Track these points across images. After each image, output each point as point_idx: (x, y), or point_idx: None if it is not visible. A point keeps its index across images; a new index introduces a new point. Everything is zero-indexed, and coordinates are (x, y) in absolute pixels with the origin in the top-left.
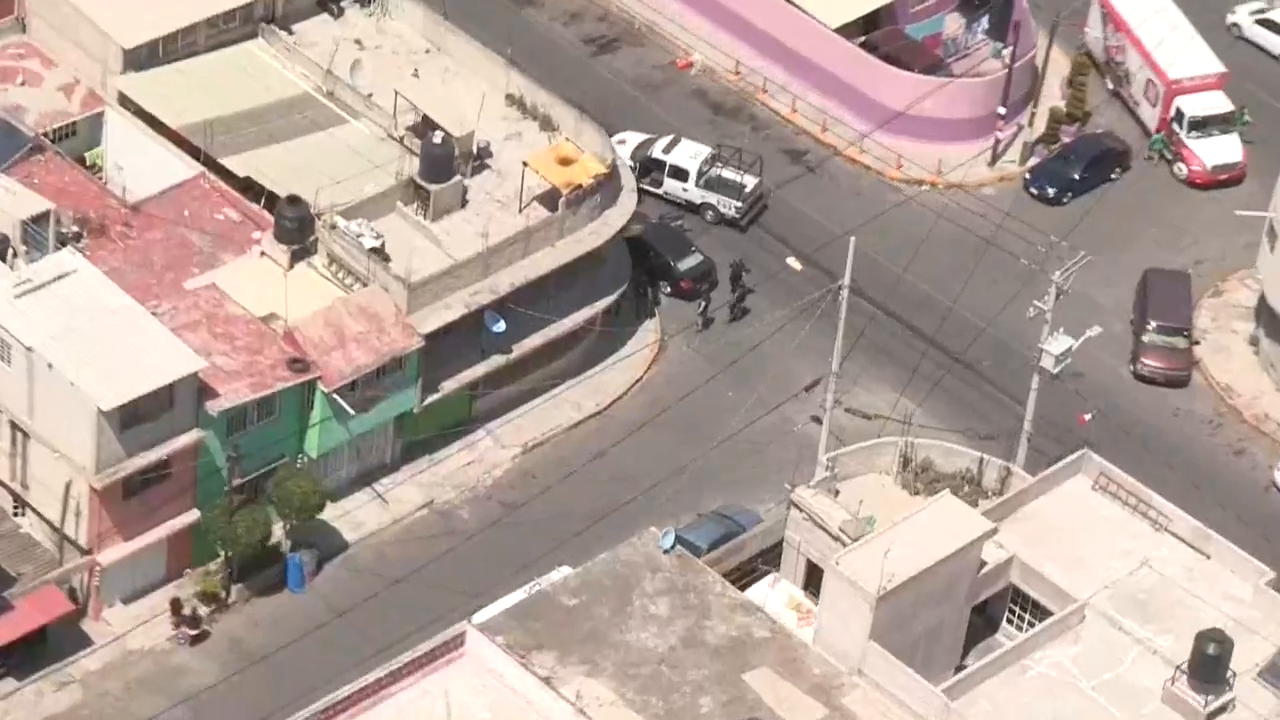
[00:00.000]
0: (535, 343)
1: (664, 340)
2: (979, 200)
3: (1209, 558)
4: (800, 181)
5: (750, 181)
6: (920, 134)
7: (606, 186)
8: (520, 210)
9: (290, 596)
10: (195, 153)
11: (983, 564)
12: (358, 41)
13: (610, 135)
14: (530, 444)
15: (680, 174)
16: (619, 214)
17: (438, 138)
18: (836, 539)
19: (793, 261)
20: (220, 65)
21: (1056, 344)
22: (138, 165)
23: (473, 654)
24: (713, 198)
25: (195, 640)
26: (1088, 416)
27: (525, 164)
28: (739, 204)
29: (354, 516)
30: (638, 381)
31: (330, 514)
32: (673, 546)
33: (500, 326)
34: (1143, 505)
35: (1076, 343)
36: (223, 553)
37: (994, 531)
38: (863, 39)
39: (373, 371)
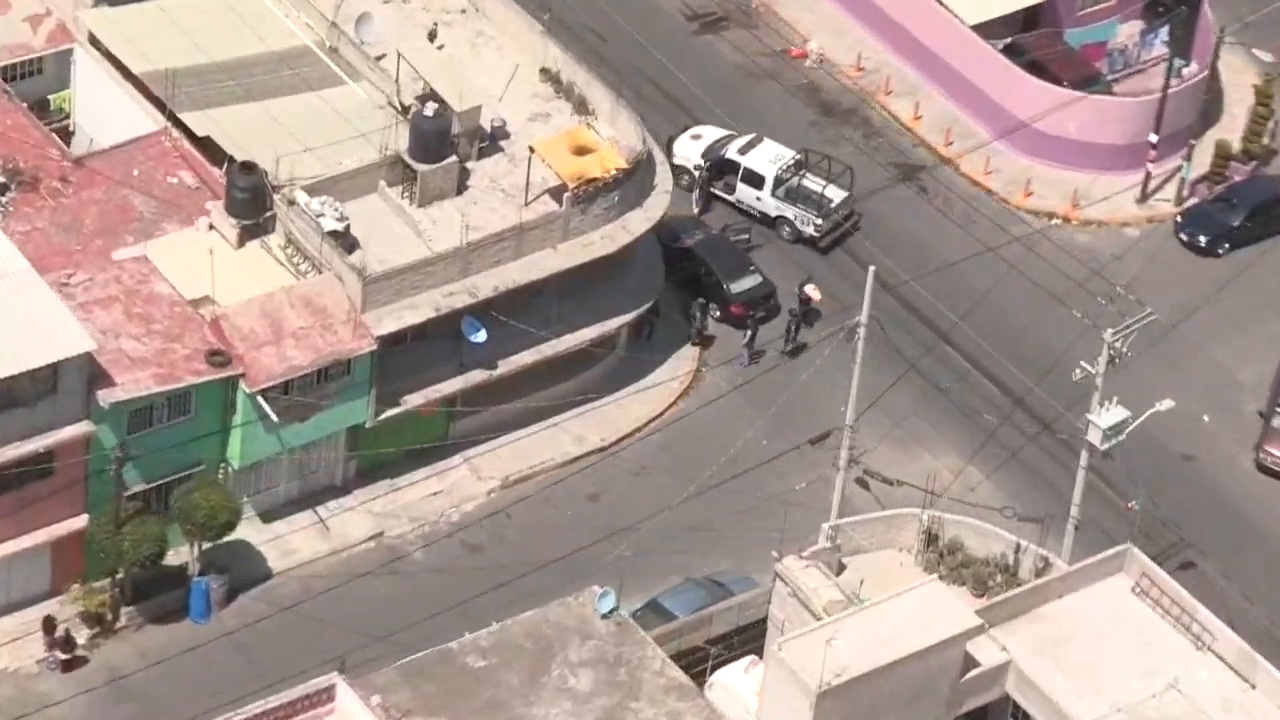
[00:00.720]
0: (526, 359)
1: (702, 371)
2: (1121, 242)
3: (1254, 687)
4: (907, 200)
5: (837, 195)
6: (1058, 158)
7: (629, 185)
8: (526, 203)
9: (190, 626)
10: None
11: (972, 666)
12: None
13: (686, 128)
14: (512, 478)
15: (755, 180)
16: (643, 218)
17: (429, 110)
18: (819, 620)
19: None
20: (211, 7)
21: (1108, 416)
22: (103, 113)
23: (343, 711)
24: (790, 211)
25: (68, 666)
26: (1134, 504)
27: (531, 150)
28: (820, 221)
29: (286, 542)
30: (658, 417)
31: (258, 536)
32: (612, 610)
33: (480, 336)
34: (1185, 617)
35: (1139, 417)
36: (118, 569)
37: (981, 629)
38: (1010, 40)
39: (311, 375)
